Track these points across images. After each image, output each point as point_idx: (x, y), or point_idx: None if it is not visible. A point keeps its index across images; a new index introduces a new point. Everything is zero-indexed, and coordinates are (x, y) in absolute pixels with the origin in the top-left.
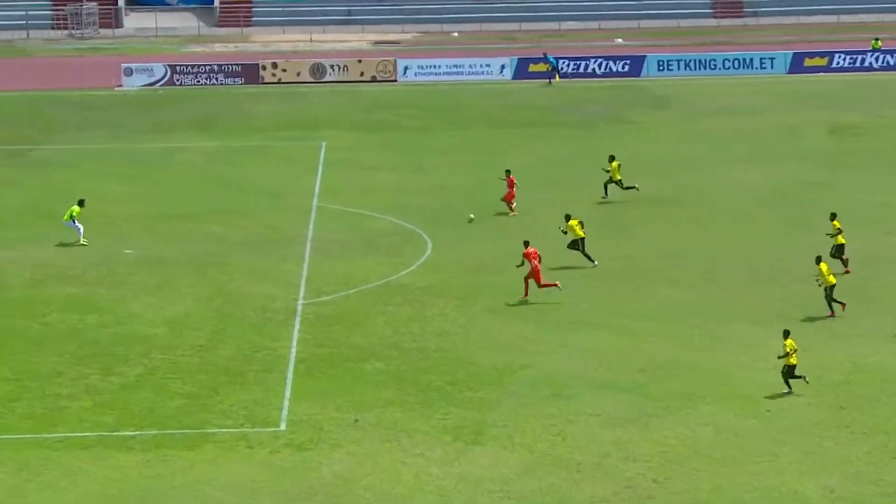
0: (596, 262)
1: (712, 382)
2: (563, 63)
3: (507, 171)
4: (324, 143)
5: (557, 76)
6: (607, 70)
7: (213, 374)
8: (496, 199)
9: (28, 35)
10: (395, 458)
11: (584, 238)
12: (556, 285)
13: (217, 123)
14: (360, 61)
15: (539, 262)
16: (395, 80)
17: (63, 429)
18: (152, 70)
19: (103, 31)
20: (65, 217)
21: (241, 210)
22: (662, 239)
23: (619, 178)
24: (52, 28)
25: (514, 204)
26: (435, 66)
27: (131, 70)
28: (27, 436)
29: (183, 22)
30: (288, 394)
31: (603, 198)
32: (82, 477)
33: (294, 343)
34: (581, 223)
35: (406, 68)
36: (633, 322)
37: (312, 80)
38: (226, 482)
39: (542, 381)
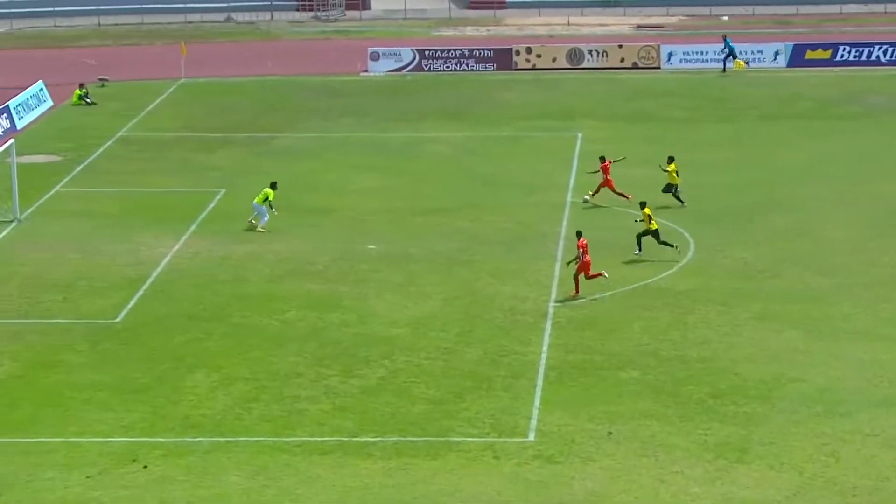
0: (640, 252)
1: None
2: (844, 49)
3: (602, 158)
4: (580, 135)
5: (735, 63)
6: (893, 58)
7: (458, 379)
8: (766, 198)
9: (272, 17)
10: (653, 474)
11: (656, 230)
12: (601, 274)
13: (467, 112)
14: (620, 46)
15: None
16: (659, 67)
17: (301, 433)
18: (400, 54)
19: (349, 14)
20: (257, 199)
21: (491, 205)
22: None
23: (677, 182)
24: (297, 10)
25: (599, 192)
26: (702, 53)
27: (378, 54)
28: (265, 438)
29: (433, 4)
30: (537, 402)
31: (682, 205)
32: (321, 485)
33: (545, 348)
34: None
35: (670, 54)
36: None
37: (569, 66)
38: (470, 494)
39: (813, 396)
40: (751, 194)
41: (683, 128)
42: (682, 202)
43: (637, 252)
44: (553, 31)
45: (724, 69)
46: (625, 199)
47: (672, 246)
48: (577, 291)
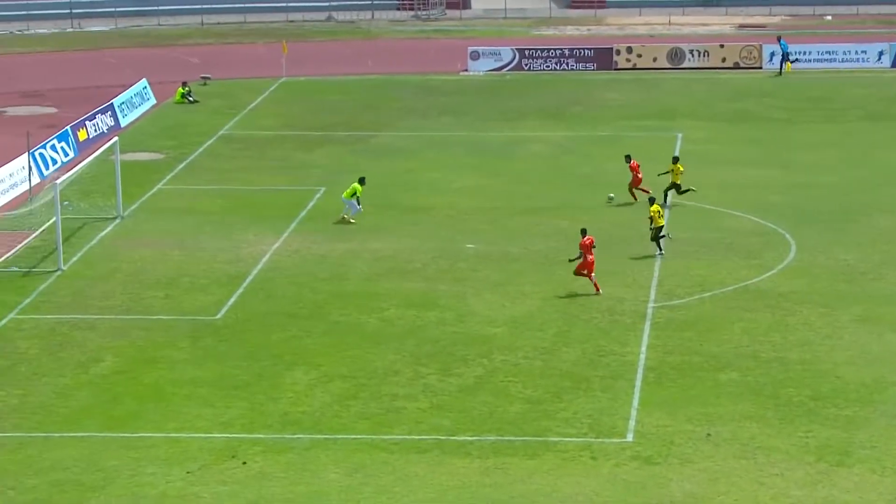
0: (664, 252)
1: None
2: None
3: (628, 157)
4: (680, 135)
5: (788, 64)
6: None
7: (556, 379)
8: (870, 199)
9: (373, 16)
10: (752, 477)
11: (661, 227)
12: (597, 291)
13: (566, 112)
14: (722, 46)
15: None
16: (761, 68)
17: (399, 431)
18: (500, 54)
19: (450, 13)
20: (345, 193)
21: (590, 205)
22: None
23: (679, 181)
24: (398, 9)
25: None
26: (805, 53)
27: (478, 54)
28: (363, 436)
29: (534, 3)
30: (636, 403)
31: (662, 205)
32: (418, 482)
33: (643, 349)
34: (660, 212)
35: (773, 54)
36: None
37: (670, 65)
38: (567, 495)
39: None
40: (854, 195)
41: (785, 128)
42: (690, 189)
43: (659, 252)
44: (654, 31)
45: (780, 72)
46: (644, 193)
47: (660, 250)
48: (596, 289)
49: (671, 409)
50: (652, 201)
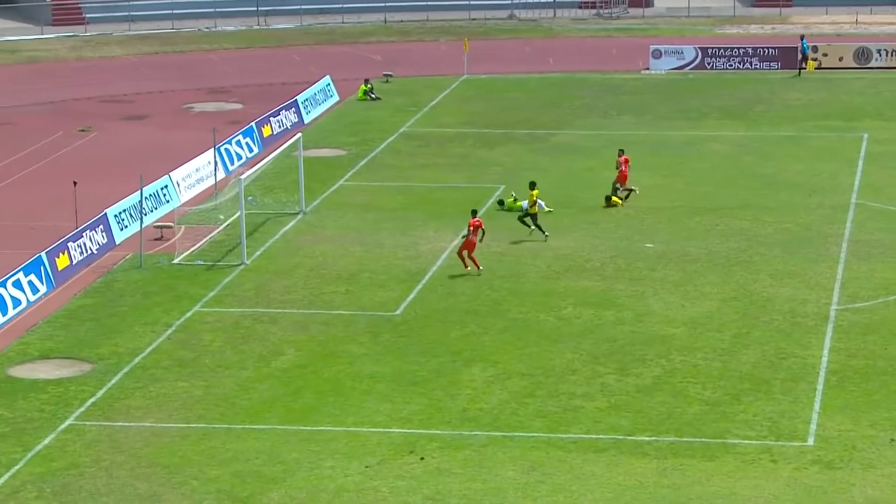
0: (546, 234)
1: None
2: None
3: (621, 151)
4: (866, 136)
5: (809, 64)
6: None
7: (735, 381)
8: None
9: (555, 14)
10: None
11: (534, 215)
12: (467, 270)
13: (749, 111)
14: None
15: (478, 236)
16: None
17: (577, 430)
18: (682, 52)
19: (632, 11)
20: (530, 209)
21: (771, 205)
22: None
23: (616, 202)
24: (580, 7)
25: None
26: None
27: (660, 52)
28: (540, 434)
29: (717, 2)
30: (817, 407)
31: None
32: (595, 482)
33: (825, 352)
34: (535, 201)
35: None
36: None
37: (856, 65)
38: (746, 498)
39: None
40: None
41: None
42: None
43: (532, 229)
44: (840, 30)
45: (799, 73)
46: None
47: (544, 234)
48: (477, 266)
49: (854, 413)
50: (532, 186)
